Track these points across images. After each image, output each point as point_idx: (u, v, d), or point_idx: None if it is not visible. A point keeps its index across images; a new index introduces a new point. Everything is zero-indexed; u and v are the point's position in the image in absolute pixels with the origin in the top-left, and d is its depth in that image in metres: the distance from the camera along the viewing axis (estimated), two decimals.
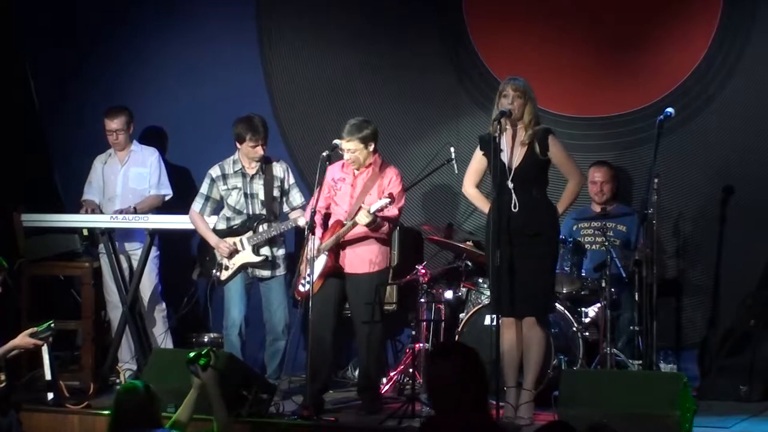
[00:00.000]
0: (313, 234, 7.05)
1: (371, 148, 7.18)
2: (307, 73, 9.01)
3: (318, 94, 8.94)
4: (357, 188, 7.22)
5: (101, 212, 8.34)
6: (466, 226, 8.42)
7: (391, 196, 7.02)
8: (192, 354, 5.95)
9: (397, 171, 7.30)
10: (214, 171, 7.74)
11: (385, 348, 7.68)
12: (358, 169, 7.22)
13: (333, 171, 7.31)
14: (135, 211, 8.18)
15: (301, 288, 7.23)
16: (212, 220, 7.77)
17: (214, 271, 7.68)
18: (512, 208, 6.61)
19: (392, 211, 7.13)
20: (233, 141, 7.86)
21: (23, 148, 9.22)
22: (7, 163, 8.91)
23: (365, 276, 7.16)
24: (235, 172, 7.70)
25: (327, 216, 7.38)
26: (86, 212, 8.32)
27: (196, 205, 7.75)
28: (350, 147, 7.14)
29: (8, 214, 8.30)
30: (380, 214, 7.04)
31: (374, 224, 7.05)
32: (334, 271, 7.17)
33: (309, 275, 6.99)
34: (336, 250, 7.19)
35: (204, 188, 7.75)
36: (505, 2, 8.69)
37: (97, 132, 8.77)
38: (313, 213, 7.07)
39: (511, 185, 6.66)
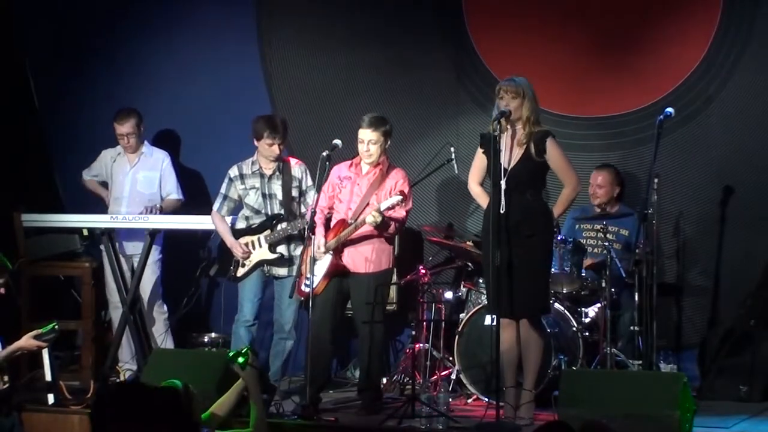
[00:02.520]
0: (314, 234, 7.03)
1: (387, 144, 7.18)
2: (307, 73, 9.01)
3: (318, 93, 8.94)
4: (362, 187, 7.20)
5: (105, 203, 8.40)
6: (467, 227, 8.42)
7: (402, 193, 7.00)
8: (231, 353, 6.07)
9: (404, 173, 7.28)
10: (232, 171, 7.80)
11: (385, 348, 7.67)
12: (370, 164, 7.19)
13: (339, 170, 7.29)
14: (161, 210, 8.19)
15: (304, 288, 7.23)
16: (229, 221, 7.82)
17: (231, 267, 7.74)
18: (500, 210, 6.60)
19: (400, 213, 7.11)
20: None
21: (23, 148, 9.22)
22: (7, 163, 8.92)
23: (366, 276, 7.15)
24: (253, 172, 7.74)
25: (331, 215, 7.37)
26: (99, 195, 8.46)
27: (216, 204, 7.84)
28: (371, 138, 7.11)
29: (8, 214, 8.30)
30: (389, 213, 7.02)
31: (382, 224, 7.04)
32: (338, 271, 7.16)
33: (311, 275, 6.99)
34: (339, 249, 7.18)
35: (223, 188, 7.82)
36: (505, 2, 8.69)
37: (97, 132, 8.77)
38: (313, 213, 7.05)
39: (503, 186, 6.65)
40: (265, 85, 9.08)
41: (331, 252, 7.14)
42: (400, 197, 6.96)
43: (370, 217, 6.96)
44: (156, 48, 9.32)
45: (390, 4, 8.84)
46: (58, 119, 9.45)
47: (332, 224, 7.26)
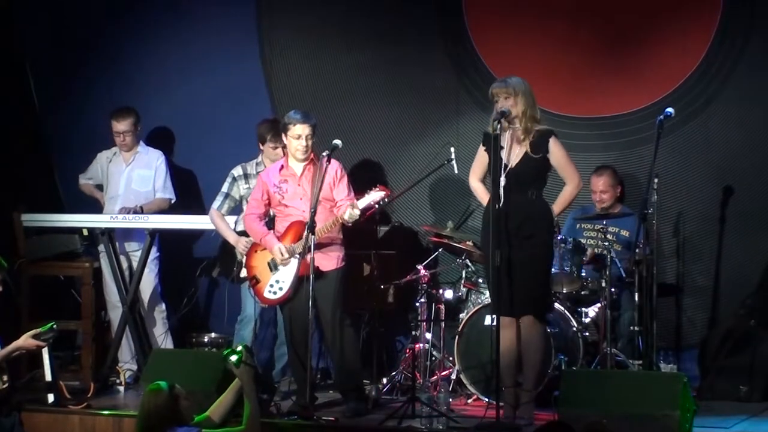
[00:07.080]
0: (313, 233, 6.98)
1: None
2: (307, 73, 9.01)
3: (318, 94, 8.94)
4: (305, 186, 7.09)
5: (101, 205, 8.38)
6: (467, 226, 8.42)
7: (383, 189, 6.97)
8: (226, 351, 6.09)
9: (339, 163, 7.15)
10: (236, 171, 7.84)
11: (360, 344, 7.54)
12: (304, 160, 7.07)
13: (270, 177, 7.18)
14: (141, 210, 8.19)
15: (271, 296, 7.14)
16: (232, 220, 7.79)
17: (234, 268, 7.72)
18: (497, 206, 6.58)
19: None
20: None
21: (23, 148, 9.22)
22: (7, 163, 8.92)
23: (333, 272, 7.08)
24: (257, 173, 7.74)
25: (268, 219, 7.29)
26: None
27: (216, 202, 7.82)
28: (308, 133, 7.04)
29: (8, 214, 8.30)
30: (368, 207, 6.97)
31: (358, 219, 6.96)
32: (307, 272, 6.96)
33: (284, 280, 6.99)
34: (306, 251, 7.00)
35: (225, 186, 7.83)
36: (506, 2, 8.69)
37: (97, 132, 8.77)
38: (313, 213, 6.98)
39: (503, 183, 6.65)
40: (265, 85, 9.08)
41: (297, 255, 7.02)
42: (382, 193, 6.93)
43: (348, 214, 6.88)
44: (156, 48, 9.32)
45: (390, 4, 8.84)
46: (58, 119, 9.46)
47: (286, 227, 7.12)
